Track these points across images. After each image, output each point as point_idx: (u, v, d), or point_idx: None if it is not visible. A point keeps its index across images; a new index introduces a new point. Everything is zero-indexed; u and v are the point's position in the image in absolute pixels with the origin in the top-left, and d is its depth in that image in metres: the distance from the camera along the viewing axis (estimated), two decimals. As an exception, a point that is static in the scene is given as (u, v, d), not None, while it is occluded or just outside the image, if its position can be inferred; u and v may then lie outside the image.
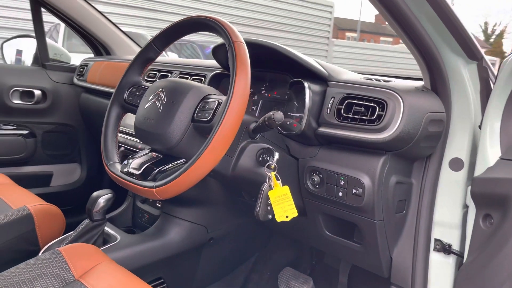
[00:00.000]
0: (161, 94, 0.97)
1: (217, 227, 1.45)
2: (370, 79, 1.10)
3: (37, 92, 1.89)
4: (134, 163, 0.97)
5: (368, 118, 1.00)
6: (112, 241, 1.31)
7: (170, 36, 1.06)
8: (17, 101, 1.85)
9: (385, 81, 1.07)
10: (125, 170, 0.97)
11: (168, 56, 7.46)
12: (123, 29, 2.08)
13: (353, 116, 1.02)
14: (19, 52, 2.52)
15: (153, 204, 1.50)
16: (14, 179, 1.64)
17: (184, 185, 0.86)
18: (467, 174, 1.04)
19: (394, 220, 1.09)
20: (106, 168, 1.03)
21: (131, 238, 1.34)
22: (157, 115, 0.95)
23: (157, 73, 1.53)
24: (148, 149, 1.02)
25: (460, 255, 1.05)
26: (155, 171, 0.97)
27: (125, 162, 1.00)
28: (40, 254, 1.24)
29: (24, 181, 1.77)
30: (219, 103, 0.91)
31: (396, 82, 1.05)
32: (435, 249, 1.08)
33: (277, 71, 1.26)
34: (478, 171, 0.99)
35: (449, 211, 1.06)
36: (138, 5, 10.17)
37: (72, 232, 1.24)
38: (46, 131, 1.97)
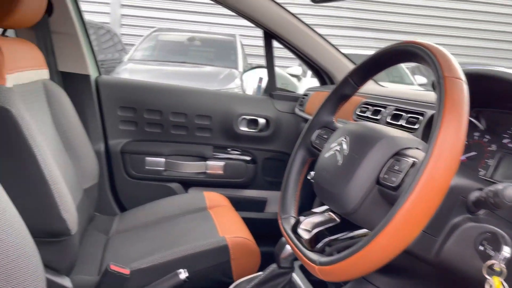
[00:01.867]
0: (344, 142, 0.77)
1: None
2: None
3: (262, 121, 1.97)
4: (306, 222, 0.81)
5: None
6: None
7: (370, 69, 0.86)
8: (243, 128, 1.97)
9: None
10: (296, 229, 0.82)
11: (415, 81, 6.77)
12: (349, 51, 1.95)
13: None
14: (260, 80, 2.74)
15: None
16: (233, 202, 1.73)
17: (354, 271, 0.64)
18: None
19: None
20: (279, 222, 0.90)
21: None
22: (334, 169, 0.76)
23: (370, 107, 1.31)
24: (327, 207, 0.84)
25: None
26: (327, 240, 0.78)
27: (301, 218, 0.84)
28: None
29: (240, 205, 1.85)
30: (414, 164, 0.64)
31: None
32: None
33: None
34: None
35: None
36: (364, 26, 9.84)
37: (261, 272, 1.18)
38: (266, 158, 2.02)
